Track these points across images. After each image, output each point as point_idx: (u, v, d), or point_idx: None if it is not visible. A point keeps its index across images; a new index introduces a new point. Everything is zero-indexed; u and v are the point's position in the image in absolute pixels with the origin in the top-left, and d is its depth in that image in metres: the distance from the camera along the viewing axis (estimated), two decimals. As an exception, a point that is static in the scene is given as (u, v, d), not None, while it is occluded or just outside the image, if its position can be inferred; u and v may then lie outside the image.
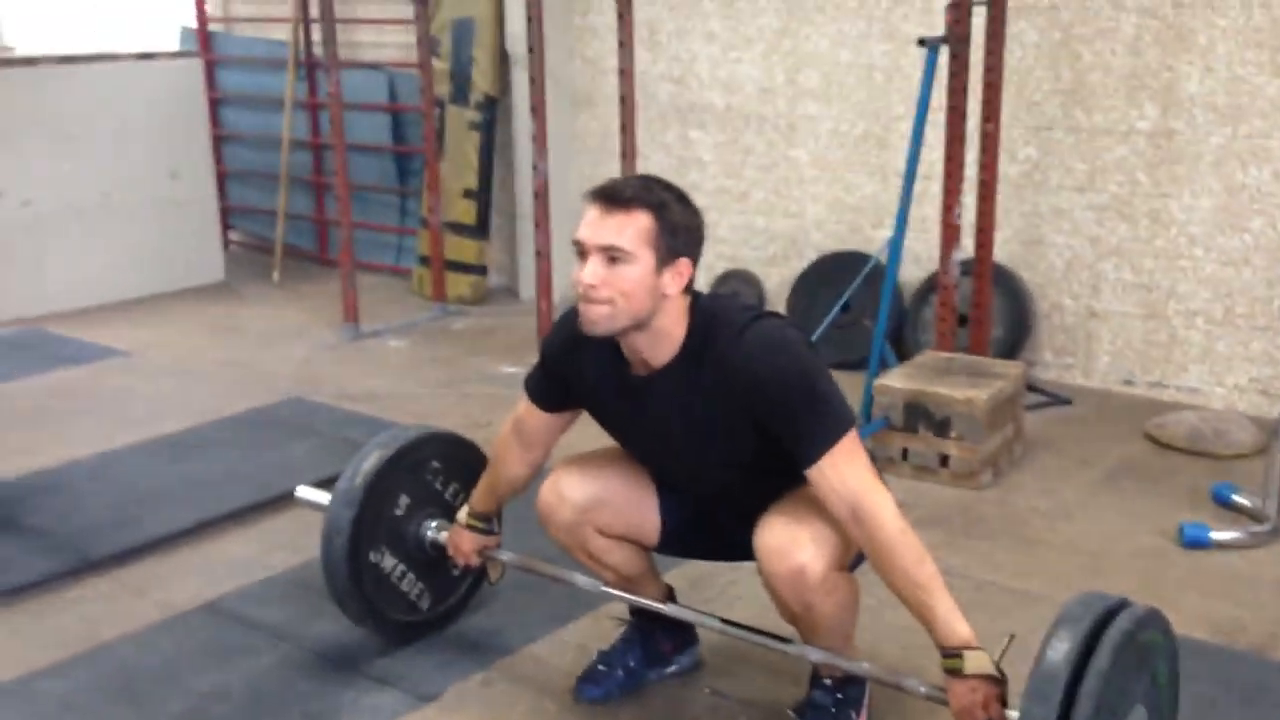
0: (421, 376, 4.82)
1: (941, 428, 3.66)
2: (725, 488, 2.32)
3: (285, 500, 3.57)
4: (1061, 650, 1.85)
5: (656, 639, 2.61)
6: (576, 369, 2.32)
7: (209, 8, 7.03)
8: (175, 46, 7.08)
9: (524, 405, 2.49)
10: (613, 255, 2.09)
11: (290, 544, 3.32)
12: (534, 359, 5.09)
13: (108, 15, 8.18)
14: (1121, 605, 1.93)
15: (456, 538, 2.63)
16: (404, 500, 2.67)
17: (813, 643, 2.28)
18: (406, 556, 2.70)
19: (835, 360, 4.68)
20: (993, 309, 4.45)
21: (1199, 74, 4.19)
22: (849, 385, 4.29)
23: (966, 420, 3.63)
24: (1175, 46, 4.22)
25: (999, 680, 1.99)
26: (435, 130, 5.68)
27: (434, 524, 2.69)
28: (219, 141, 6.88)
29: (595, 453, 2.49)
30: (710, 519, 2.43)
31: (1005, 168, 4.53)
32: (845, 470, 2.07)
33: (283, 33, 6.54)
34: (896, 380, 3.79)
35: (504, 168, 5.96)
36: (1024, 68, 4.51)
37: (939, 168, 4.17)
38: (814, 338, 4.49)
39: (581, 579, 2.53)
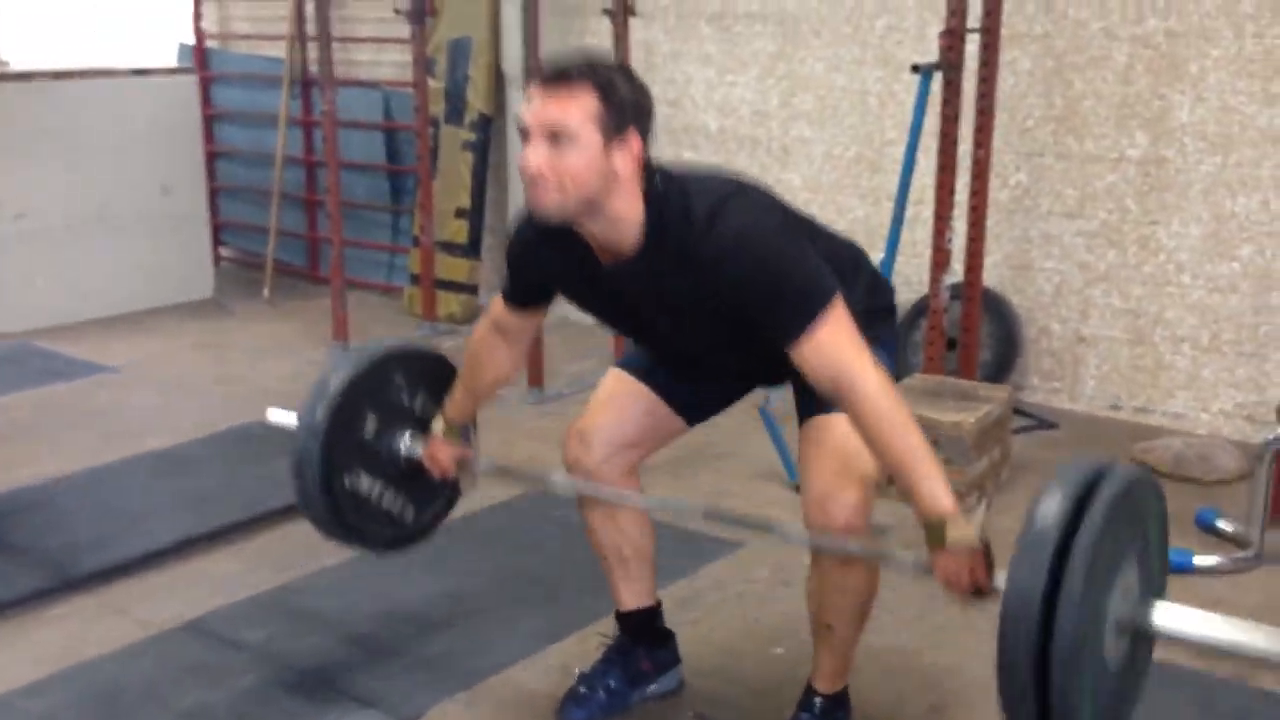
0: (411, 395, 4.81)
1: (929, 451, 3.66)
2: (716, 349, 2.28)
3: (270, 518, 3.57)
4: (1050, 511, 1.76)
5: (636, 657, 2.60)
6: (543, 266, 2.26)
7: (206, 24, 7.06)
8: (172, 62, 7.09)
9: (498, 307, 2.42)
10: (555, 135, 1.99)
11: (275, 562, 3.32)
12: (522, 379, 5.11)
13: (105, 31, 8.20)
14: (1110, 467, 1.83)
15: (433, 450, 2.53)
16: (372, 420, 2.57)
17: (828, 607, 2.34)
18: (383, 475, 2.59)
19: (825, 383, 4.69)
20: (981, 333, 4.46)
21: (1190, 103, 4.21)
22: (838, 408, 4.31)
23: (954, 444, 3.63)
24: (1167, 75, 4.24)
25: (984, 551, 1.95)
26: (429, 149, 5.69)
27: (407, 437, 2.58)
28: (212, 157, 6.89)
29: (602, 395, 2.48)
30: (715, 371, 2.44)
31: (996, 193, 4.55)
32: (826, 347, 2.00)
33: (279, 50, 6.56)
34: (885, 403, 3.79)
35: (497, 187, 5.97)
36: (1016, 94, 4.54)
37: (930, 192, 4.19)
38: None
39: (559, 480, 2.48)
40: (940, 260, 4.10)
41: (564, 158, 1.99)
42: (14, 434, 4.33)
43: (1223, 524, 3.45)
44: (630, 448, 2.44)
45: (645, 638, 2.59)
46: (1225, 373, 4.29)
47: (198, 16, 6.98)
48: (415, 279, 5.97)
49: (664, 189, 2.09)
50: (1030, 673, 1.68)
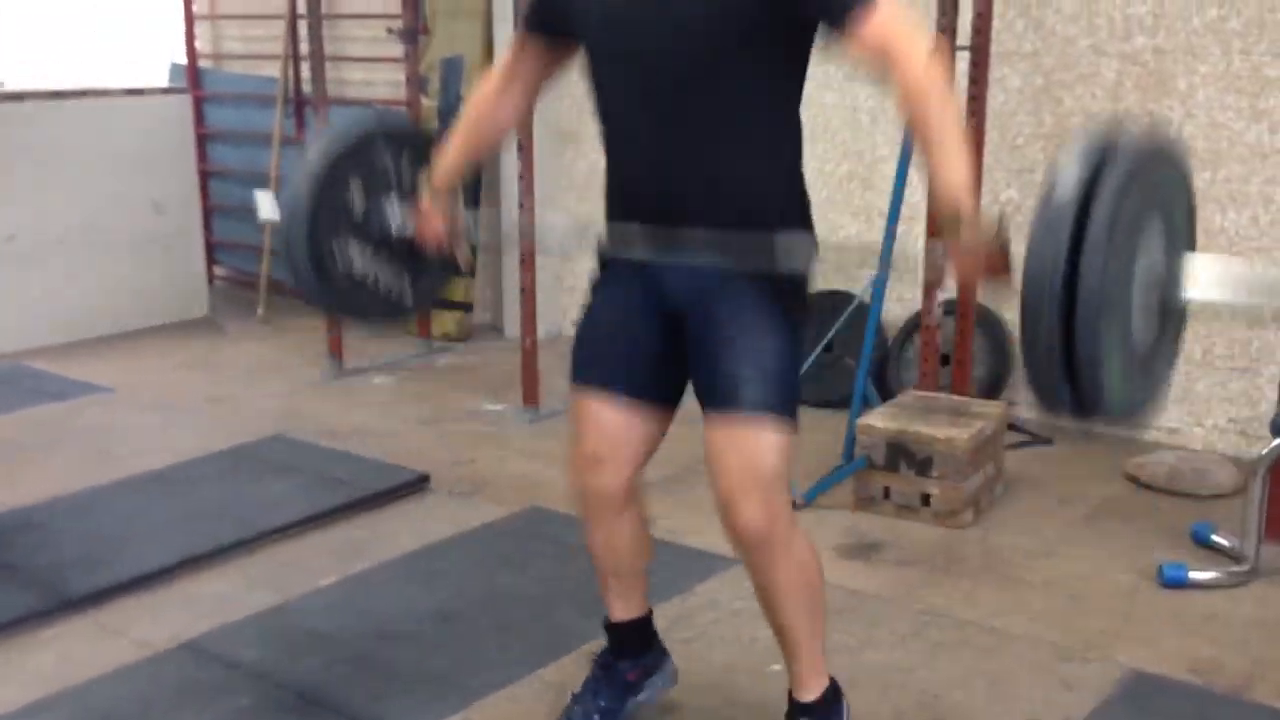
0: (405, 413, 4.82)
1: (923, 467, 3.68)
2: (697, 112, 2.16)
3: (266, 538, 3.57)
4: (1068, 175, 1.66)
5: (620, 671, 2.56)
6: None
7: (199, 44, 7.07)
8: (165, 82, 7.11)
9: (515, 44, 2.38)
10: None
11: (270, 581, 3.31)
12: (517, 397, 5.10)
13: (99, 51, 8.21)
14: (1126, 132, 1.73)
15: (424, 223, 2.50)
16: (358, 196, 2.51)
17: (781, 624, 2.29)
18: (376, 252, 2.55)
19: (818, 400, 4.70)
20: (975, 349, 4.47)
21: (1179, 119, 4.24)
22: (831, 424, 4.33)
23: (948, 460, 3.64)
24: (1156, 92, 4.27)
25: (1002, 248, 1.89)
26: (422, 168, 5.70)
27: (396, 211, 2.54)
28: (206, 177, 6.90)
29: (582, 421, 2.38)
30: (648, 208, 2.27)
31: (987, 209, 4.56)
32: (875, 20, 1.98)
33: (272, 69, 6.58)
34: (879, 420, 3.80)
35: (490, 205, 5.98)
36: (1006, 111, 4.56)
37: (923, 209, 4.20)
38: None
39: (559, 221, 2.42)
40: (933, 276, 4.11)
41: None
42: (7, 454, 4.32)
43: (1218, 538, 3.46)
44: (636, 458, 2.37)
45: (632, 647, 2.56)
46: (1218, 387, 4.30)
47: (191, 37, 6.99)
48: (409, 297, 5.96)
49: None
50: (1055, 337, 1.62)
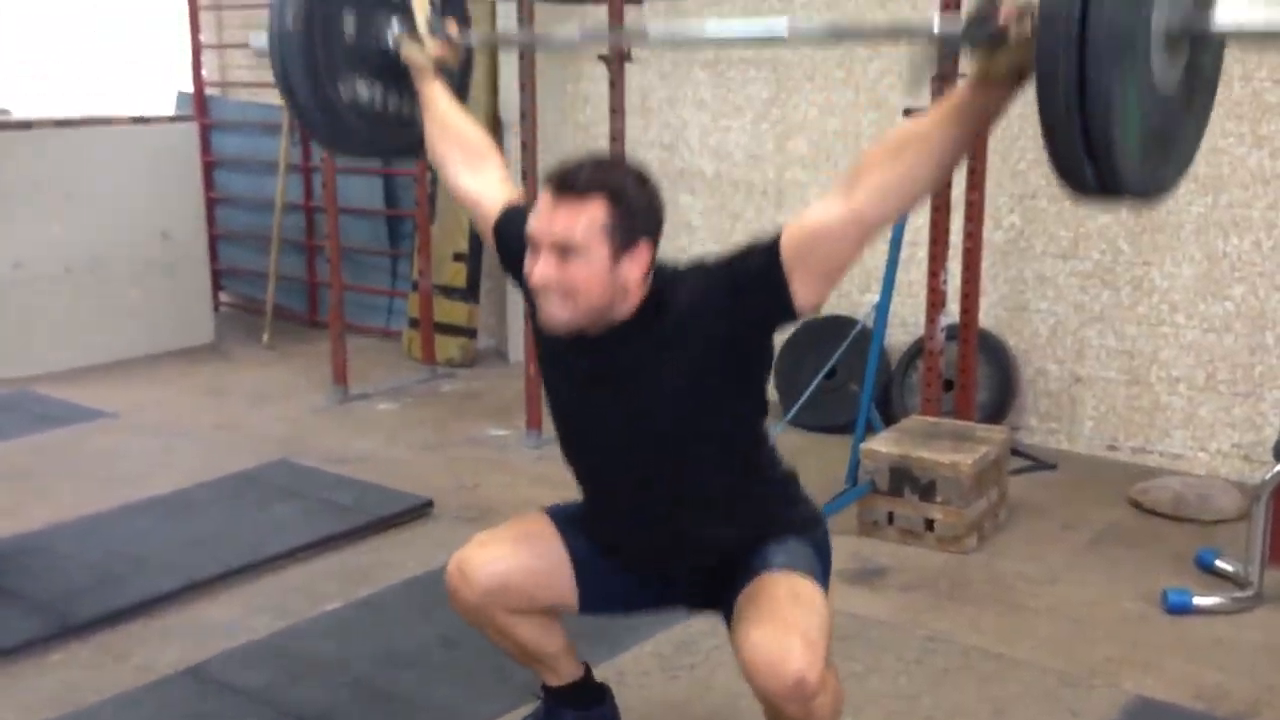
0: (409, 439, 4.83)
1: (927, 492, 3.68)
2: (670, 478, 2.15)
3: (270, 563, 3.57)
4: None
5: (564, 718, 2.48)
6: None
7: (206, 73, 7.12)
8: (171, 110, 7.15)
9: (498, 187, 2.34)
10: (564, 248, 1.96)
11: (275, 607, 3.31)
12: (521, 422, 5.11)
13: (106, 80, 8.27)
14: None
15: (413, 56, 2.49)
16: (350, 20, 2.48)
17: None
18: (378, 76, 2.52)
19: (821, 425, 4.71)
20: (978, 374, 4.48)
21: (1179, 144, 4.25)
22: (835, 449, 4.33)
23: (952, 485, 3.64)
24: (1155, 117, 4.28)
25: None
26: (428, 194, 5.74)
27: (393, 30, 2.51)
28: (212, 204, 6.94)
29: (502, 528, 2.37)
30: (640, 552, 2.27)
31: (990, 235, 4.58)
32: (802, 217, 1.95)
33: (278, 97, 6.60)
34: (882, 445, 3.80)
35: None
36: (1008, 137, 4.58)
37: (925, 234, 4.22)
38: (800, 402, 4.53)
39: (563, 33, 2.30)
40: (936, 302, 4.13)
41: (572, 271, 1.97)
42: (13, 480, 4.33)
43: (1222, 564, 3.46)
44: (513, 596, 2.27)
45: (574, 704, 2.47)
46: (1222, 412, 4.30)
47: (197, 65, 7.04)
48: (414, 323, 5.99)
49: (669, 275, 2.08)
50: (1069, 81, 1.57)
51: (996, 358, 4.63)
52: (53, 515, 3.94)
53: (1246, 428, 4.26)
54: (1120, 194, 1.68)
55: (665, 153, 5.49)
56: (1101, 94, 1.56)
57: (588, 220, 1.96)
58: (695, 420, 2.09)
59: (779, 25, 2.10)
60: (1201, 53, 1.79)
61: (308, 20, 2.42)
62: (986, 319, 4.63)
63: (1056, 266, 4.57)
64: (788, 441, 4.40)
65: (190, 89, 7.10)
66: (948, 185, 4.08)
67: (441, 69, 2.53)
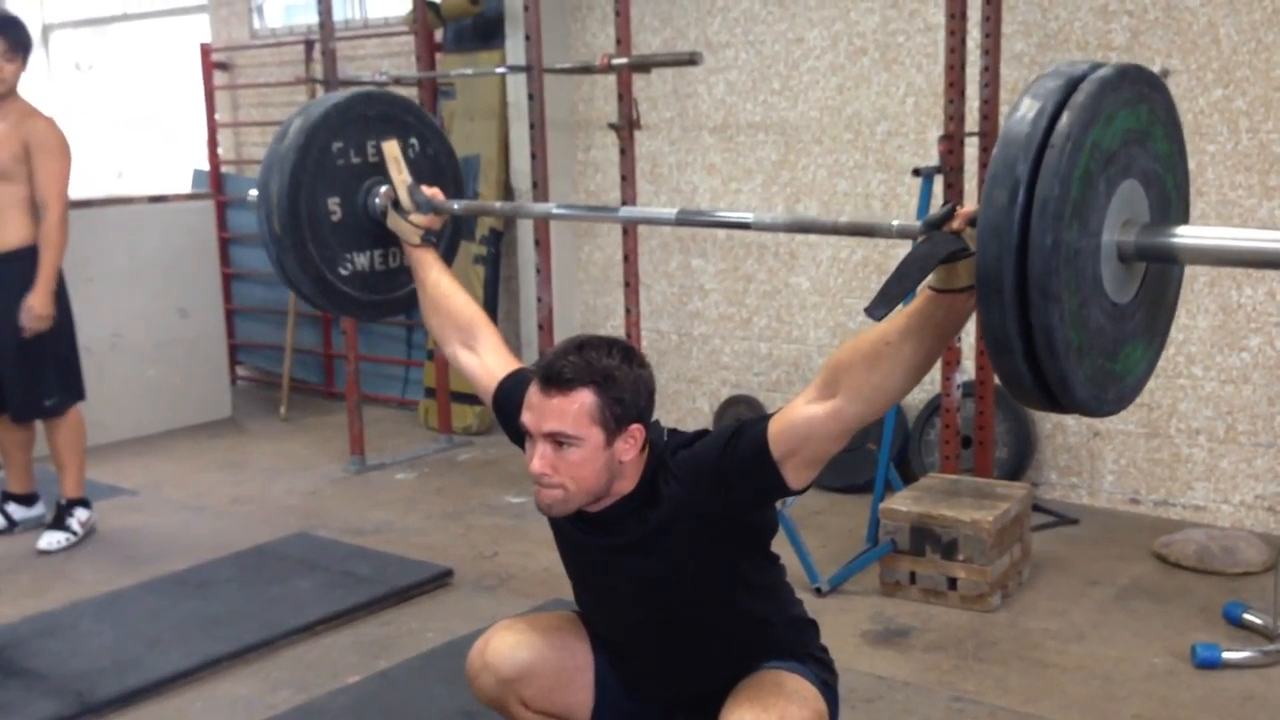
0: (427, 508, 4.82)
1: (949, 550, 3.65)
2: (676, 643, 2.25)
3: (289, 637, 3.55)
4: (1025, 116, 1.55)
5: None
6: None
7: (221, 151, 7.22)
8: (188, 188, 7.24)
9: (493, 359, 2.42)
10: (559, 440, 2.05)
11: (294, 681, 3.29)
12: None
13: (125, 160, 8.40)
14: (1090, 66, 1.62)
15: (400, 227, 2.55)
16: (332, 202, 2.54)
17: None
18: (371, 242, 2.60)
19: (840, 485, 4.69)
20: (996, 430, 4.47)
21: (1190, 198, 4.26)
22: (854, 509, 4.31)
23: (974, 542, 3.61)
24: (1163, 170, 4.30)
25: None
26: (441, 265, 5.77)
27: (377, 198, 2.59)
28: (228, 279, 7.00)
29: (534, 617, 2.41)
30: (652, 696, 2.35)
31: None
32: (787, 413, 2.02)
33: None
34: (902, 503, 3.78)
35: (509, 299, 6.05)
36: (1016, 193, 4.59)
37: (936, 292, 4.22)
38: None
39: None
40: (951, 359, 4.12)
41: (567, 457, 2.05)
42: (32, 559, 4.33)
43: (1250, 616, 3.41)
44: (535, 686, 2.31)
45: None
46: (1243, 464, 4.27)
47: (213, 144, 7.15)
48: (430, 392, 6.01)
49: (664, 447, 2.16)
50: (1009, 288, 1.55)
51: (1014, 413, 4.62)
52: (72, 594, 3.94)
53: (1269, 479, 4.22)
54: (1057, 399, 1.68)
55: (676, 218, 5.53)
56: (1042, 286, 1.55)
57: (577, 410, 2.04)
58: (700, 591, 2.17)
59: (746, 216, 2.21)
60: (1158, 272, 1.80)
61: (293, 222, 2.51)
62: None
63: (1071, 321, 4.56)
64: (807, 503, 4.38)
65: (206, 167, 7.20)
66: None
67: (428, 237, 2.59)
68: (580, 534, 2.22)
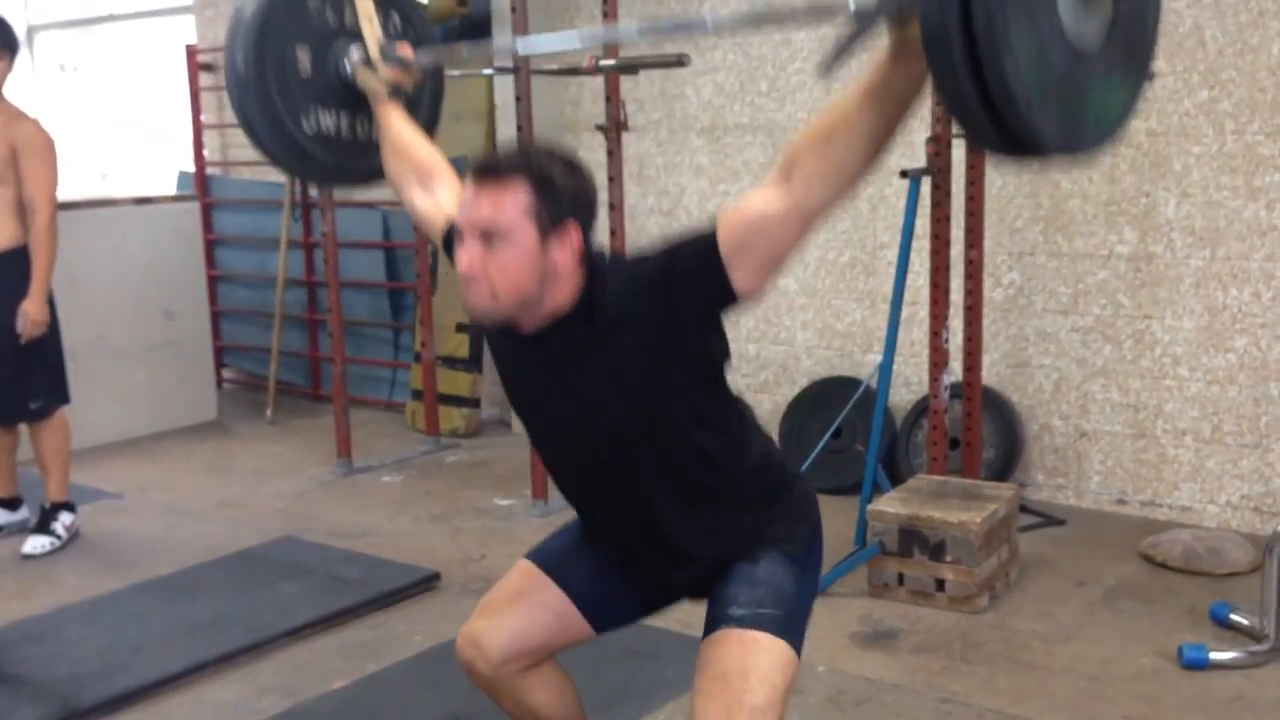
0: (414, 511, 4.81)
1: (937, 552, 3.65)
2: (630, 485, 2.08)
3: (275, 642, 3.54)
4: None
5: None
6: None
7: (207, 153, 7.20)
8: (173, 190, 7.21)
9: (448, 197, 2.32)
10: (489, 234, 1.91)
11: (281, 686, 3.28)
12: (526, 491, 5.09)
13: (110, 162, 8.36)
14: None
15: (368, 82, 2.50)
16: (304, 53, 2.49)
17: None
18: (339, 104, 2.55)
19: (828, 486, 4.69)
20: (983, 431, 4.47)
21: (1176, 199, 4.28)
22: (842, 511, 4.30)
23: (962, 544, 3.62)
24: (1151, 173, 4.32)
25: None
26: (429, 266, 5.77)
27: (347, 58, 2.53)
28: (214, 281, 6.97)
29: (498, 592, 2.33)
30: (629, 554, 2.20)
31: (990, 292, 4.60)
32: (744, 198, 1.88)
33: (279, 175, 6.67)
34: (890, 505, 3.79)
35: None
36: (1004, 196, 4.61)
37: (925, 293, 4.23)
38: (807, 464, 4.52)
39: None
40: (938, 360, 4.13)
41: (498, 257, 1.92)
42: (17, 563, 4.31)
43: (1237, 617, 3.43)
44: (530, 654, 2.26)
45: None
46: (1229, 465, 4.28)
47: (198, 145, 7.12)
48: (417, 394, 5.99)
49: (606, 267, 2.02)
50: (957, 41, 1.47)
51: (1001, 415, 4.63)
52: (57, 599, 3.92)
53: (1255, 479, 4.24)
54: (1027, 149, 1.58)
55: (664, 219, 5.53)
56: (990, 35, 1.45)
57: (511, 202, 1.91)
58: (647, 413, 2.00)
59: (705, 20, 2.06)
60: (1129, 5, 1.68)
61: (259, 62, 2.44)
62: (989, 376, 4.63)
63: (1057, 322, 4.58)
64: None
65: (191, 168, 7.17)
66: (946, 244, 4.10)
67: (398, 93, 2.52)
68: (520, 357, 2.10)
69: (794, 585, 2.10)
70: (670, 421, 2.01)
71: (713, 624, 2.06)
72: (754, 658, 1.98)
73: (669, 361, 1.96)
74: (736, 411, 2.15)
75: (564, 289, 1.97)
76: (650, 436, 2.02)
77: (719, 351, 2.04)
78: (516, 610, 2.26)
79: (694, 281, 1.89)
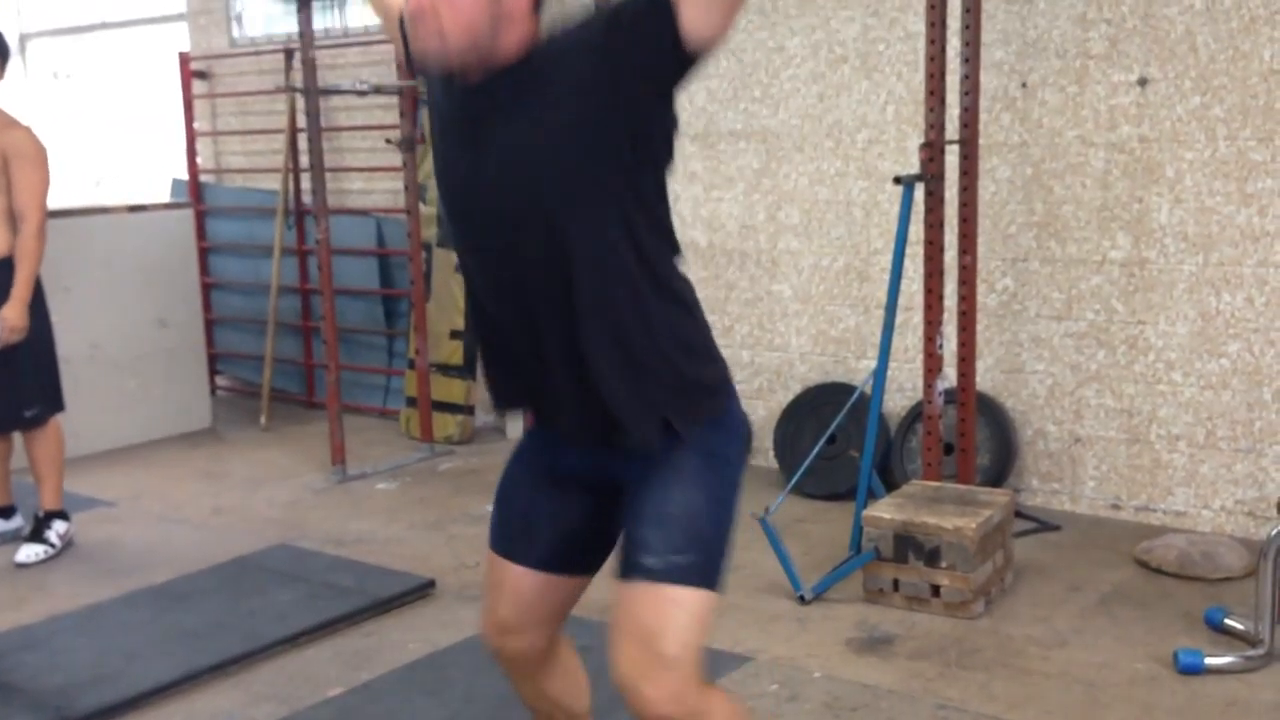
0: (409, 518, 4.80)
1: (932, 557, 3.65)
2: (551, 253, 1.90)
3: (270, 650, 3.53)
4: None
5: None
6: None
7: (201, 160, 7.19)
8: (167, 198, 7.20)
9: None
10: None
11: (276, 695, 3.27)
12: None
13: (103, 169, 8.35)
14: None
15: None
16: None
17: None
18: None
19: (823, 493, 4.69)
20: (978, 437, 4.48)
21: (1168, 205, 4.29)
22: (837, 517, 4.31)
23: (956, 550, 3.62)
24: (1144, 179, 4.33)
25: None
26: (423, 273, 5.76)
27: None
28: (208, 289, 6.97)
29: (488, 579, 2.29)
30: (548, 400, 2.06)
31: (984, 298, 4.61)
32: None
33: (273, 182, 6.68)
34: (885, 511, 3.79)
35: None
36: (998, 202, 4.62)
37: (919, 299, 4.24)
38: (801, 470, 4.51)
39: None
40: (932, 366, 4.13)
41: None
42: (10, 572, 4.30)
43: (1231, 621, 3.43)
44: (551, 620, 2.26)
45: None
46: (1223, 469, 4.29)
47: (192, 153, 7.12)
48: (411, 401, 5.99)
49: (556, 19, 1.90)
50: None
51: (995, 420, 4.63)
52: (50, 607, 3.91)
53: (1249, 484, 4.25)
54: None
55: (658, 226, 5.53)
56: None
57: None
58: (576, 173, 1.86)
59: None
60: None
61: None
62: (984, 382, 4.63)
63: (1051, 328, 4.59)
64: (790, 511, 4.38)
65: (185, 176, 7.16)
66: (940, 250, 4.11)
67: None
68: (459, 108, 1.96)
69: (713, 508, 2.00)
70: (608, 189, 1.88)
71: (627, 568, 1.97)
72: (669, 616, 1.92)
73: (606, 111, 1.83)
74: (682, 278, 2.07)
75: (516, 33, 1.86)
76: (582, 195, 1.87)
77: (662, 134, 1.93)
78: (514, 595, 2.23)
79: (641, 24, 1.78)
